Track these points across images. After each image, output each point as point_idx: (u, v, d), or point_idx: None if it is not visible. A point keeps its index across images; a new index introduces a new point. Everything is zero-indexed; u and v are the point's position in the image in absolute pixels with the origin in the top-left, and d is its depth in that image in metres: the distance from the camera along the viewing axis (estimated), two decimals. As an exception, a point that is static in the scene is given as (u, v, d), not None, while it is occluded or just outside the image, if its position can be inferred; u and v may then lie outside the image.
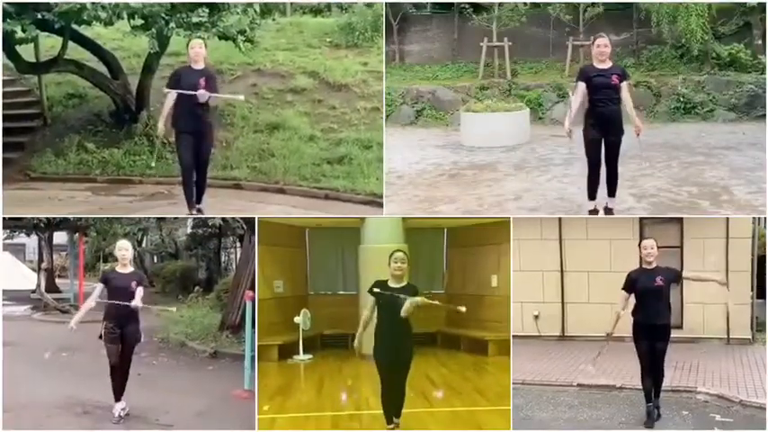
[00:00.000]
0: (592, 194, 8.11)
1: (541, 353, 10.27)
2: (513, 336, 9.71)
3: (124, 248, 6.85)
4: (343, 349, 10.27)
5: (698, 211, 9.13)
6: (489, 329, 10.58)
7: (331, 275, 12.06)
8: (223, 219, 15.03)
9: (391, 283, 5.73)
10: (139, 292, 6.73)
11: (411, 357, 5.77)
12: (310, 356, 10.20)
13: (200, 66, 7.84)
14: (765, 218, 10.72)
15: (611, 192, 8.12)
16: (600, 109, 7.56)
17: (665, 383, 7.17)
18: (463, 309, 5.66)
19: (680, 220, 10.54)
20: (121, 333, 6.72)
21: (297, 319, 10.22)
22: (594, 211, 8.25)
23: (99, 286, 6.83)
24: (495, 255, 11.03)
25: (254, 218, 9.65)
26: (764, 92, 14.27)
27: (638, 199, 9.38)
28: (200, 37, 9.82)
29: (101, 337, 6.73)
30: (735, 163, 11.16)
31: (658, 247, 6.77)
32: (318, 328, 10.90)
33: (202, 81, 7.71)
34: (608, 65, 7.58)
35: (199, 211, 8.30)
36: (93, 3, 9.27)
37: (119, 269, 6.85)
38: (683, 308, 10.49)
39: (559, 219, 10.99)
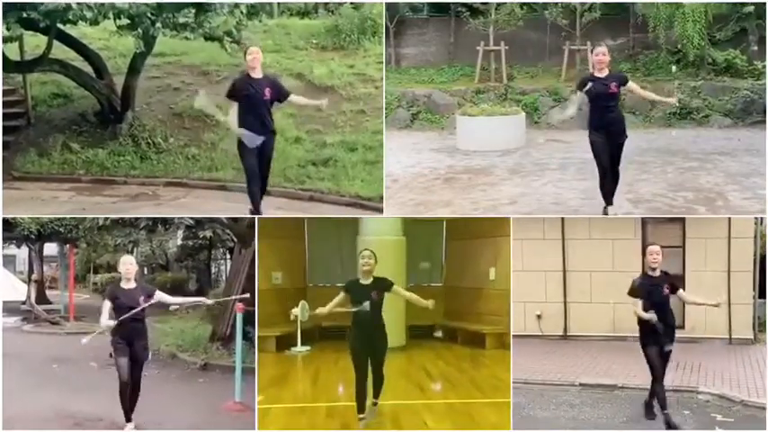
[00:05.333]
0: (607, 199, 8.15)
1: (544, 352, 10.28)
2: (516, 335, 9.71)
3: (128, 263, 6.55)
4: (341, 341, 10.07)
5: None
6: (487, 323, 10.62)
7: (329, 267, 11.89)
8: (213, 231, 14.86)
9: (362, 280, 6.24)
10: (158, 296, 6.62)
11: (386, 345, 6.30)
12: (308, 348, 10.24)
13: (258, 74, 7.50)
14: (765, 218, 10.63)
15: (609, 199, 8.12)
16: (600, 115, 7.82)
17: (667, 383, 7.12)
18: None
19: (682, 220, 10.54)
20: (130, 350, 6.46)
21: (295, 311, 10.05)
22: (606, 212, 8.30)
23: (106, 304, 6.44)
24: (492, 248, 10.95)
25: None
26: (760, 98, 14.23)
27: (635, 204, 9.34)
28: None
29: (111, 355, 6.47)
30: (730, 169, 11.10)
31: (661, 247, 6.82)
32: (316, 320, 10.76)
33: (268, 91, 7.50)
34: (606, 73, 7.79)
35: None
36: (78, 2, 9.11)
37: (123, 285, 6.51)
38: (684, 308, 10.23)
39: (562, 219, 10.96)
